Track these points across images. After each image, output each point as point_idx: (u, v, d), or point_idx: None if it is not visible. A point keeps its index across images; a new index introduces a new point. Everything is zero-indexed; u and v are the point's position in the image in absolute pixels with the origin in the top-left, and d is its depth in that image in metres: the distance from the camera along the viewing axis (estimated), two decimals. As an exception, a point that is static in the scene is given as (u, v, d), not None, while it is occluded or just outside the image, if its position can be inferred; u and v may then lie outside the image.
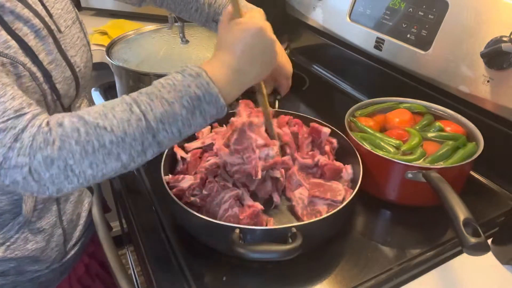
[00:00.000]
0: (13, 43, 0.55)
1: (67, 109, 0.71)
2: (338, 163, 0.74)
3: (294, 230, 0.58)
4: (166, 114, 0.51)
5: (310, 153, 0.77)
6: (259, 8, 0.62)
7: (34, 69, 0.58)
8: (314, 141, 0.81)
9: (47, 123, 0.49)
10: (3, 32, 0.55)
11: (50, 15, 0.64)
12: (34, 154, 0.47)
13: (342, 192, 0.69)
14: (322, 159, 0.74)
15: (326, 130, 0.79)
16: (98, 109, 0.50)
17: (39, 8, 0.62)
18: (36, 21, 0.60)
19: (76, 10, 0.74)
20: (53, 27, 0.64)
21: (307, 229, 0.59)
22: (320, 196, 0.68)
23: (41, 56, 0.60)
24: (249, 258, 0.56)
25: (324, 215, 0.62)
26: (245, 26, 0.57)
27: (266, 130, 0.72)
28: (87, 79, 0.75)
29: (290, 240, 0.57)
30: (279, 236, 0.58)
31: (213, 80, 0.53)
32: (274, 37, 0.58)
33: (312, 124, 0.81)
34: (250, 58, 0.57)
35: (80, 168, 0.48)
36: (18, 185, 0.48)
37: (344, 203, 0.64)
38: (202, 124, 0.54)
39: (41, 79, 0.59)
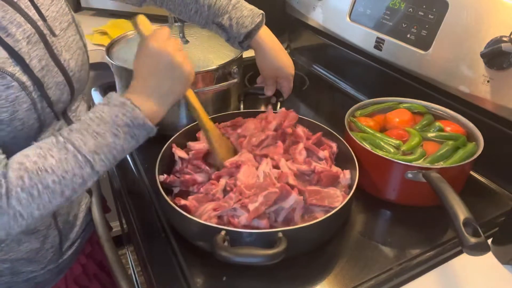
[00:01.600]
0: (2, 53, 0.55)
1: (63, 113, 0.70)
2: (335, 169, 0.74)
3: (280, 234, 0.58)
4: (99, 145, 0.55)
5: (306, 159, 0.76)
6: (163, 27, 0.64)
7: (24, 78, 0.57)
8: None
9: None
10: None
11: (44, 19, 0.63)
12: None
13: (340, 199, 0.68)
14: (318, 166, 0.73)
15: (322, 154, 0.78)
16: (36, 152, 0.53)
17: (31, 12, 0.61)
18: (27, 26, 0.59)
19: (72, 13, 0.73)
20: (45, 31, 0.62)
21: (295, 234, 0.59)
22: (317, 203, 0.67)
23: (33, 63, 0.59)
24: (232, 262, 0.55)
25: (313, 221, 0.61)
26: (141, 50, 0.62)
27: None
28: (83, 82, 0.74)
29: (276, 245, 0.57)
30: (266, 240, 0.58)
31: (137, 105, 0.57)
32: (169, 50, 0.61)
33: (308, 144, 0.79)
34: (155, 77, 0.61)
35: (28, 211, 0.52)
36: None
37: (336, 209, 0.63)
38: (135, 145, 0.59)
39: (31, 88, 0.58)
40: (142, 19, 0.67)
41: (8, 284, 0.70)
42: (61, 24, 0.67)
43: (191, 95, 0.73)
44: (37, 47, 0.60)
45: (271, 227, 0.64)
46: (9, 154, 0.55)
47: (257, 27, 0.83)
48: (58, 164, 0.52)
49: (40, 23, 0.62)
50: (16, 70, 0.56)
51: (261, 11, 0.85)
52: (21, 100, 0.57)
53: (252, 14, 0.82)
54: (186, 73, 0.63)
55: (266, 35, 0.85)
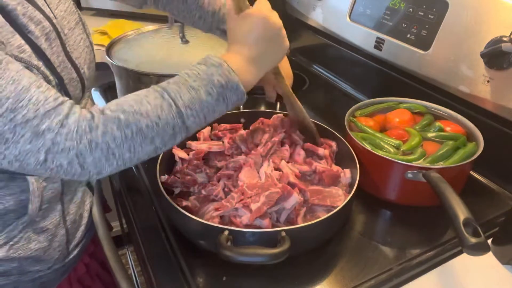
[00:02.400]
0: (27, 47, 0.56)
1: None
2: (335, 168, 0.74)
3: (283, 234, 0.58)
4: (193, 100, 0.56)
5: (307, 160, 0.76)
6: (264, 0, 0.65)
7: (47, 72, 0.58)
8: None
9: (89, 111, 0.53)
10: (17, 36, 0.55)
11: (55, 17, 0.64)
12: (80, 138, 0.50)
13: (342, 198, 0.68)
14: (320, 166, 0.73)
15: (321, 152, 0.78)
16: (133, 97, 0.55)
17: (47, 10, 0.62)
18: (46, 23, 0.60)
19: (79, 11, 0.74)
20: (60, 29, 0.64)
21: (298, 233, 0.59)
22: (320, 203, 0.67)
23: (52, 59, 0.60)
24: (236, 261, 0.56)
25: (315, 220, 0.61)
26: (253, 18, 0.63)
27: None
28: (91, 80, 0.75)
29: (279, 244, 0.57)
30: (268, 240, 0.58)
31: (233, 69, 0.58)
32: (280, 23, 0.64)
33: (307, 145, 0.80)
34: (262, 46, 0.63)
35: (120, 151, 0.52)
36: (62, 168, 0.51)
37: (337, 208, 0.63)
38: (224, 110, 0.59)
39: (54, 82, 0.59)
40: None
41: (15, 284, 0.70)
42: (69, 23, 0.68)
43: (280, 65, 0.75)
44: (55, 44, 0.61)
45: (273, 226, 0.64)
46: None
47: None
48: (153, 109, 0.53)
49: (55, 20, 0.63)
50: (40, 64, 0.57)
51: None
52: None
53: None
54: (287, 47, 0.66)
55: None
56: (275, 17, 0.64)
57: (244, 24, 0.63)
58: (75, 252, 0.78)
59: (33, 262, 0.69)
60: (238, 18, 0.64)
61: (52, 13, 0.64)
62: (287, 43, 0.66)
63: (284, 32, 0.65)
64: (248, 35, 0.63)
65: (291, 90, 0.79)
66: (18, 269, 0.69)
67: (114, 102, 0.55)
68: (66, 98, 0.53)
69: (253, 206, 0.63)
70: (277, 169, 0.73)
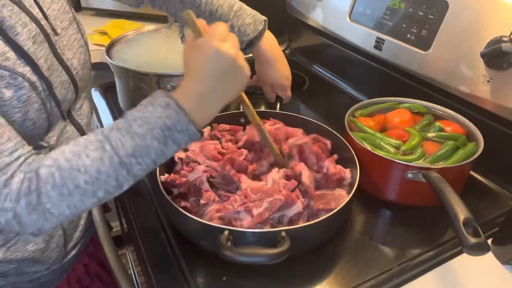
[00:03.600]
0: (11, 54, 0.55)
1: (68, 113, 0.71)
2: (338, 168, 0.74)
3: (283, 234, 0.58)
4: (137, 148, 0.52)
5: (315, 166, 0.74)
6: (220, 23, 0.57)
7: (34, 78, 0.57)
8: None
9: (31, 169, 0.51)
10: (1, 43, 0.54)
11: (46, 17, 0.63)
12: (18, 200, 0.49)
13: (346, 199, 0.68)
14: (331, 169, 0.72)
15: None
16: (72, 149, 0.52)
17: (35, 11, 0.61)
18: (32, 26, 0.59)
19: (73, 11, 0.73)
20: (49, 30, 0.63)
21: (298, 234, 0.59)
22: (324, 208, 0.67)
23: (40, 63, 0.59)
24: (236, 261, 0.55)
25: (315, 220, 0.61)
26: (203, 49, 0.55)
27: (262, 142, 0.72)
28: (86, 80, 0.74)
29: (279, 244, 0.57)
30: (269, 240, 0.58)
31: (183, 108, 0.53)
32: (234, 52, 0.55)
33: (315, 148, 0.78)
34: (214, 81, 0.55)
35: (59, 210, 0.51)
36: (0, 224, 0.51)
37: (337, 208, 0.63)
38: (176, 150, 0.55)
39: (40, 88, 0.59)
40: (193, 14, 0.58)
41: (13, 285, 0.70)
42: (62, 22, 0.67)
43: (243, 93, 0.68)
44: (43, 47, 0.61)
45: (273, 226, 0.64)
46: None
47: (259, 35, 0.83)
48: (92, 164, 0.51)
49: (43, 22, 0.62)
50: (26, 71, 0.56)
51: (264, 18, 0.84)
52: (32, 100, 0.57)
53: (254, 22, 0.82)
54: (245, 77, 0.58)
55: (267, 43, 0.85)
56: (227, 47, 0.54)
57: (195, 55, 0.56)
58: (73, 253, 0.78)
59: (31, 263, 0.69)
60: (190, 47, 0.56)
61: (43, 13, 0.63)
62: (245, 73, 0.57)
63: (240, 62, 0.55)
64: (198, 68, 0.55)
65: (259, 121, 0.71)
66: (16, 270, 0.69)
67: (52, 154, 0.52)
68: (24, 152, 0.52)
69: (255, 211, 0.63)
70: (289, 176, 0.72)
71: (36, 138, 0.62)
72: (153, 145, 0.52)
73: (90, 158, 0.51)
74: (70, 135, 0.71)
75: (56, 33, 0.65)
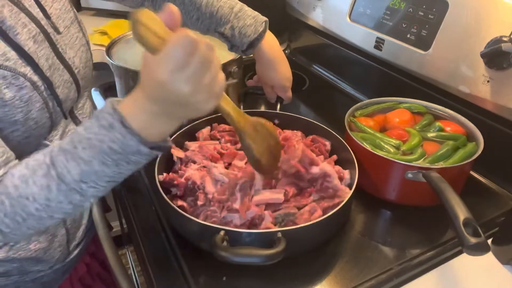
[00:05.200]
0: (12, 54, 0.55)
1: (70, 112, 0.71)
2: (337, 168, 0.74)
3: (279, 234, 0.58)
4: (85, 173, 0.48)
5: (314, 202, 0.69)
6: (182, 34, 0.41)
7: (35, 78, 0.58)
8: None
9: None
10: (1, 43, 0.54)
11: (48, 16, 0.63)
12: None
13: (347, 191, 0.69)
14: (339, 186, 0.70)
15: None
16: (21, 173, 0.49)
17: (35, 11, 0.61)
18: (32, 26, 0.59)
19: (75, 10, 0.73)
20: (49, 30, 0.63)
21: (294, 234, 0.59)
22: (330, 204, 0.68)
23: (41, 62, 0.59)
24: (231, 261, 0.55)
25: (312, 221, 0.61)
26: (152, 71, 0.44)
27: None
28: (88, 79, 0.74)
29: (276, 245, 0.57)
30: (265, 240, 0.58)
31: (131, 128, 0.46)
32: (185, 91, 0.43)
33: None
34: (165, 105, 0.46)
35: (19, 232, 0.51)
36: None
37: (335, 210, 0.63)
38: (136, 167, 0.50)
39: (42, 87, 0.59)
40: (146, 16, 0.42)
41: (16, 284, 0.70)
42: (64, 21, 0.68)
43: (223, 101, 0.57)
44: (43, 46, 0.61)
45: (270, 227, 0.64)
46: (21, 154, 0.55)
47: (260, 36, 0.83)
48: (40, 192, 0.48)
49: (44, 21, 0.62)
50: (27, 70, 0.56)
51: (265, 19, 0.84)
52: (34, 99, 0.58)
53: (255, 23, 0.82)
54: (204, 111, 0.47)
55: (268, 45, 0.85)
56: (179, 83, 0.42)
57: (147, 73, 0.45)
58: (76, 252, 0.78)
59: (33, 262, 0.69)
60: (145, 57, 0.45)
61: (44, 12, 0.63)
62: (203, 108, 0.46)
63: (197, 97, 0.44)
64: (150, 89, 0.45)
65: (243, 127, 0.62)
66: (19, 269, 0.69)
67: (4, 179, 0.50)
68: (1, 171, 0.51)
69: (236, 205, 0.64)
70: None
71: (39, 137, 0.62)
72: (103, 170, 0.48)
73: (38, 185, 0.48)
74: None
75: (58, 32, 0.65)
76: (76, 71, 0.68)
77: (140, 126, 0.46)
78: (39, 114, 0.59)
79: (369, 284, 0.62)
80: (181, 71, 0.42)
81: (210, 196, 0.67)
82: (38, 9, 0.62)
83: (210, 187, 0.68)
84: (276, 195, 0.67)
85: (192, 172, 0.71)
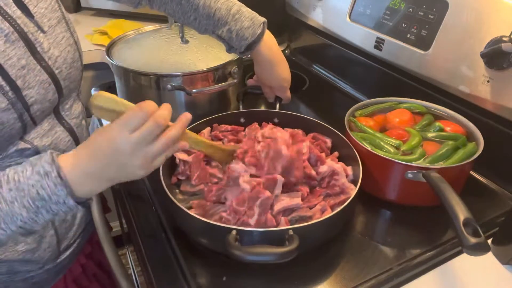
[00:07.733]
0: None
1: (56, 113, 0.69)
2: (339, 165, 0.73)
3: (291, 232, 0.58)
4: (1, 213, 0.50)
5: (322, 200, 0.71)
6: (139, 106, 0.52)
7: None
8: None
9: None
10: None
11: (31, 15, 0.62)
12: None
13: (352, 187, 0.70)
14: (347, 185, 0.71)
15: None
16: None
17: (11, 10, 0.59)
18: (4, 25, 0.58)
19: (63, 9, 0.71)
20: (28, 29, 0.61)
21: (305, 232, 0.59)
22: (336, 202, 0.68)
23: (10, 63, 0.57)
24: (245, 260, 0.55)
25: (321, 218, 0.61)
26: (105, 131, 0.52)
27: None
28: (74, 80, 0.71)
29: (287, 243, 0.57)
30: (276, 239, 0.58)
31: (65, 179, 0.51)
32: (127, 151, 0.51)
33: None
34: (104, 165, 0.52)
35: None
36: None
37: (342, 206, 0.63)
38: (48, 218, 0.53)
39: (7, 87, 0.57)
40: (99, 99, 0.54)
41: (5, 284, 0.69)
42: (50, 20, 0.66)
43: (190, 137, 0.65)
44: (16, 46, 0.59)
45: (279, 225, 0.64)
46: None
47: (258, 39, 0.82)
48: None
49: (21, 20, 0.60)
50: None
51: (263, 19, 0.83)
52: None
53: (252, 25, 0.81)
54: (138, 176, 0.54)
55: (266, 46, 0.84)
56: (125, 142, 0.50)
57: (98, 135, 0.53)
58: (68, 253, 0.77)
59: (22, 262, 0.69)
60: (99, 129, 0.53)
61: (27, 11, 0.61)
62: (138, 173, 0.54)
63: (136, 162, 0.52)
64: (95, 147, 0.53)
65: (220, 158, 0.71)
66: (7, 269, 0.68)
67: None
68: None
69: (252, 221, 0.63)
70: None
71: (10, 138, 0.60)
72: (21, 213, 0.50)
73: None
74: (59, 135, 0.69)
75: (42, 31, 0.63)
76: (57, 71, 0.65)
77: (73, 180, 0.51)
78: (4, 114, 0.57)
79: (369, 284, 0.62)
80: (134, 132, 0.50)
81: (228, 203, 0.66)
82: (16, 8, 0.60)
83: (230, 194, 0.68)
84: (295, 200, 0.66)
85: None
